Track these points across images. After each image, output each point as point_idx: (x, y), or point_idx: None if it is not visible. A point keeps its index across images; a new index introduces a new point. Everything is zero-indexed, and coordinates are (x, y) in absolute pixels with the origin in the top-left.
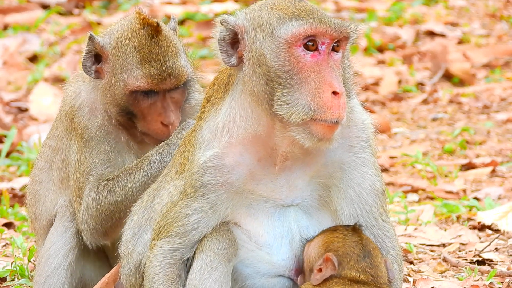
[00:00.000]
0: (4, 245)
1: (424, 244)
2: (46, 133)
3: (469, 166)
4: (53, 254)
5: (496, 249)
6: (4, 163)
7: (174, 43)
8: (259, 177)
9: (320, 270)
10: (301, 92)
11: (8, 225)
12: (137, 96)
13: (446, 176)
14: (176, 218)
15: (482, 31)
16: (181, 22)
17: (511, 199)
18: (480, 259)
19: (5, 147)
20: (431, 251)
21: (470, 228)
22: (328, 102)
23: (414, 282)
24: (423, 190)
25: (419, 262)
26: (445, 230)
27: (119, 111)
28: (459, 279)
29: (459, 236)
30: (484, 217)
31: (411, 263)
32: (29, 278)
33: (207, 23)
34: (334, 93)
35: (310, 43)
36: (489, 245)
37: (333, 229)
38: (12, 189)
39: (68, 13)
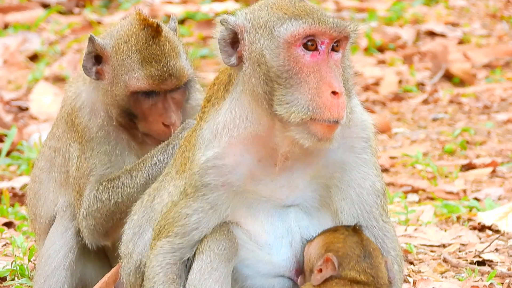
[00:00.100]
0: (4, 245)
1: (424, 245)
2: (47, 132)
3: (469, 167)
4: (53, 253)
5: (496, 249)
6: (4, 162)
7: (174, 43)
8: (259, 177)
9: (320, 270)
10: (301, 92)
11: (8, 224)
12: (138, 97)
13: (446, 176)
14: (177, 218)
15: (483, 31)
16: (182, 22)
17: (511, 199)
18: (480, 259)
19: (6, 146)
20: (431, 251)
21: (470, 229)
22: (328, 102)
23: (414, 283)
24: (423, 190)
25: (419, 262)
26: (445, 230)
27: (120, 112)
28: (459, 280)
29: (459, 236)
30: (484, 218)
31: (411, 263)
32: (29, 277)
33: (208, 22)
34: (334, 93)
35: (309, 43)
36: (489, 245)
37: (334, 230)
38: (12, 188)
39: (69, 12)
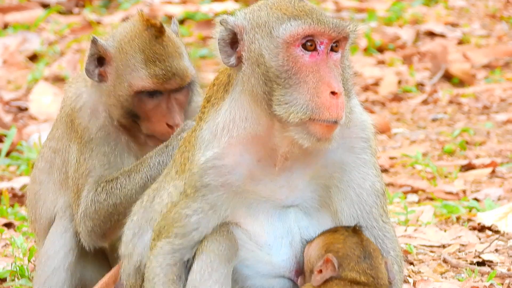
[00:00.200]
0: (4, 245)
1: (424, 245)
2: (46, 132)
3: (469, 167)
4: (53, 254)
5: (496, 250)
6: (4, 163)
7: (177, 44)
8: (259, 178)
9: (320, 271)
10: (300, 92)
11: (8, 225)
12: (142, 97)
13: (446, 176)
14: (176, 219)
15: (482, 32)
16: (181, 22)
17: (511, 200)
18: (480, 260)
19: (5, 146)
20: (431, 252)
21: (470, 229)
22: (327, 102)
23: (414, 283)
24: (423, 190)
25: (419, 263)
26: (445, 231)
27: (123, 113)
28: (459, 280)
29: (459, 237)
30: (484, 218)
31: (411, 264)
32: (29, 278)
33: (207, 22)
34: (333, 93)
35: (308, 43)
36: (489, 246)
37: (333, 230)
38: (12, 188)
39: (68, 12)
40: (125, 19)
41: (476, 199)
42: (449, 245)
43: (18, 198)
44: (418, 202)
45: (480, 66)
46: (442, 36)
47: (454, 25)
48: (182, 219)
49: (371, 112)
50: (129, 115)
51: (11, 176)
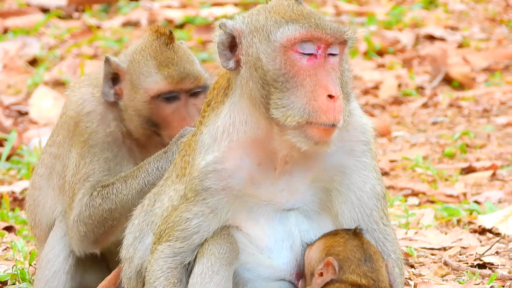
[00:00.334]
0: (5, 249)
1: (425, 248)
2: (46, 136)
3: (469, 170)
4: (53, 257)
5: (497, 252)
6: (4, 167)
7: (188, 51)
8: (259, 181)
9: (321, 274)
10: (297, 96)
11: (9, 228)
12: (159, 103)
13: (446, 179)
14: (177, 222)
15: (482, 35)
16: (181, 26)
17: (511, 202)
18: (481, 262)
19: (5, 150)
20: (432, 254)
21: (470, 232)
22: (324, 105)
23: (415, 286)
24: (424, 193)
25: (420, 265)
26: (445, 233)
27: (142, 124)
28: (460, 283)
29: (460, 239)
30: (484, 221)
31: (412, 266)
32: (30, 282)
33: (207, 26)
34: (330, 96)
35: (306, 47)
36: (489, 248)
37: (334, 233)
38: (13, 192)
39: (68, 17)
40: (125, 24)
41: (476, 202)
42: (450, 247)
43: (18, 202)
44: (419, 205)
45: (480, 70)
46: (442, 39)
47: (454, 28)
48: (183, 222)
49: (371, 115)
50: (149, 125)
51: (11, 180)
